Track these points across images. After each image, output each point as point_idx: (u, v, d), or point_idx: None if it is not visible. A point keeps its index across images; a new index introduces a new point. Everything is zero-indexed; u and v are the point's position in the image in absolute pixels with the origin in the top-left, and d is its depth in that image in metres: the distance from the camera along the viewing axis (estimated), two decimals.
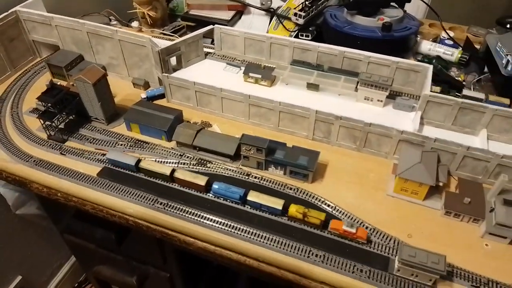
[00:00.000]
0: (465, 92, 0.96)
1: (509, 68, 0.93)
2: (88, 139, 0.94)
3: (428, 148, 0.81)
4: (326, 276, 0.69)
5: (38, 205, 1.27)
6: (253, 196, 0.77)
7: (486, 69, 1.10)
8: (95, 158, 0.89)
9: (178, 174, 0.81)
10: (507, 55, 0.94)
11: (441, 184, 0.78)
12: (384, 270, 0.68)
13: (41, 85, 1.09)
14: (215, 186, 0.80)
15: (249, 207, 0.79)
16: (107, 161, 0.87)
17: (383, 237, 0.73)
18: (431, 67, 0.91)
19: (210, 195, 0.81)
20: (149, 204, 0.80)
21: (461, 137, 0.87)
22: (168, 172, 0.82)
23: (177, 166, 0.87)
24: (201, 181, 0.80)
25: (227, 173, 0.85)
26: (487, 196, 0.77)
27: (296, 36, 1.17)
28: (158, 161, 0.87)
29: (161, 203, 0.80)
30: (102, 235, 1.04)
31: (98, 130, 0.96)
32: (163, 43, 0.99)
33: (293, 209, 0.74)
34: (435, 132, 0.88)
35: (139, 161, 0.85)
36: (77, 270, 1.73)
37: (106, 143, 0.93)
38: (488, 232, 0.72)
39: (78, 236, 1.17)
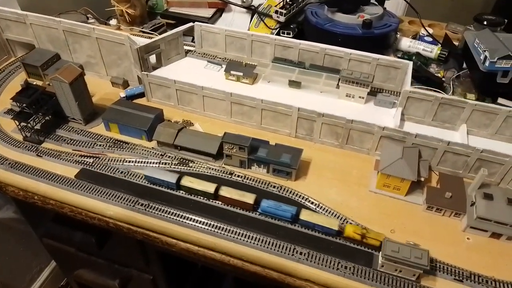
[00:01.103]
0: (500, 100, 0.97)
1: (486, 64, 0.94)
2: (65, 140, 0.91)
3: (409, 144, 0.81)
4: (310, 273, 0.69)
5: (15, 209, 1.23)
6: (305, 215, 0.73)
7: (464, 65, 1.11)
8: (72, 160, 0.86)
9: (224, 192, 0.76)
10: (484, 51, 0.95)
11: (422, 179, 0.78)
12: (368, 266, 0.68)
13: (16, 85, 1.06)
14: (264, 204, 0.75)
15: (298, 225, 0.76)
16: (144, 178, 0.82)
17: None
18: (411, 63, 0.92)
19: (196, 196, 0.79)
20: (129, 205, 0.78)
21: (441, 132, 0.88)
22: (212, 190, 0.77)
23: (158, 166, 0.85)
24: (249, 199, 0.75)
25: (210, 172, 0.84)
26: (468, 190, 0.78)
27: (278, 34, 1.17)
28: (200, 175, 0.83)
29: (141, 204, 0.78)
30: (82, 239, 1.01)
31: (76, 130, 0.94)
32: (142, 41, 0.98)
33: (350, 230, 0.70)
34: (416, 127, 0.88)
35: (179, 178, 0.79)
36: (57, 274, 1.69)
37: (84, 144, 0.90)
38: (469, 226, 0.73)
39: (58, 240, 1.14)
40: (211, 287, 1.49)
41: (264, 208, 0.75)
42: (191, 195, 0.80)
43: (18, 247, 1.49)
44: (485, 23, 1.16)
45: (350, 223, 0.74)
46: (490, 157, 0.78)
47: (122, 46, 1.00)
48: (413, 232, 0.74)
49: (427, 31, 1.21)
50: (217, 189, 0.77)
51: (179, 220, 0.75)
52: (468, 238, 0.73)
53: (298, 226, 0.74)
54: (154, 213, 0.77)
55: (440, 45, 1.16)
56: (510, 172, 0.79)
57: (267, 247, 0.71)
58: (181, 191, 0.80)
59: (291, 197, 0.80)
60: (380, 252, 0.67)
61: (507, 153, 0.77)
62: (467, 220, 0.73)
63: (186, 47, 1.09)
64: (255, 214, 0.76)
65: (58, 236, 1.11)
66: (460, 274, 0.67)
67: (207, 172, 0.84)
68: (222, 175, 0.84)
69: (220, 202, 0.78)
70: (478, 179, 0.74)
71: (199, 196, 0.79)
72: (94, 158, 0.87)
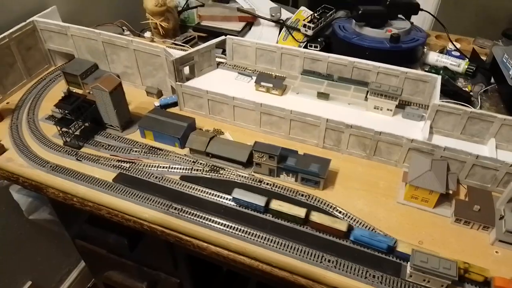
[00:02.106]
0: None
1: None
2: (103, 145, 0.96)
3: (438, 157, 0.82)
4: (338, 281, 0.70)
5: (51, 211, 1.28)
6: (403, 247, 0.71)
7: (492, 80, 1.12)
8: (110, 164, 0.91)
9: (315, 218, 0.75)
10: None
11: (450, 192, 0.79)
12: (396, 276, 0.69)
13: (56, 93, 1.12)
14: (357, 232, 0.73)
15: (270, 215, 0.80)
16: (232, 200, 0.82)
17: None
18: (439, 77, 0.93)
19: (268, 215, 0.80)
20: (164, 209, 0.81)
21: (470, 146, 0.88)
22: (303, 215, 0.76)
23: (190, 172, 0.89)
24: (342, 226, 0.74)
25: (240, 180, 0.87)
26: (497, 204, 0.78)
27: (305, 47, 1.20)
28: (231, 182, 0.86)
29: (175, 208, 0.81)
30: (115, 241, 1.06)
31: (113, 137, 0.98)
32: (177, 53, 1.02)
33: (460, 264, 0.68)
34: (444, 141, 0.89)
35: (268, 201, 0.79)
36: (85, 276, 1.74)
37: (121, 150, 0.95)
38: (498, 239, 0.74)
39: (90, 242, 1.19)
40: None
41: (358, 237, 0.73)
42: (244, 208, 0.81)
43: (50, 248, 1.55)
44: None
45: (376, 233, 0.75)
46: None
47: (158, 57, 1.05)
48: (441, 244, 0.74)
49: (454, 45, 1.22)
50: (307, 214, 0.76)
51: (210, 225, 0.78)
52: (496, 252, 0.74)
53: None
54: (187, 217, 0.80)
55: (467, 60, 1.16)
56: None
57: (296, 254, 0.73)
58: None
59: (319, 205, 0.82)
60: (409, 262, 0.68)
61: None
62: (496, 233, 0.74)
63: (217, 59, 1.14)
64: (283, 220, 0.79)
65: (91, 237, 1.16)
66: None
67: (237, 179, 0.87)
68: (251, 183, 0.86)
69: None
70: (507, 192, 0.75)
71: (287, 221, 0.78)
72: (131, 163, 0.91)
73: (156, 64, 1.06)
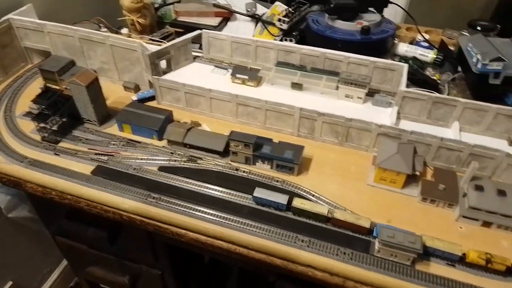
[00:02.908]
0: None
1: (479, 66, 0.99)
2: (81, 139, 0.97)
3: (405, 140, 0.86)
4: (312, 259, 0.73)
5: (30, 208, 1.28)
6: (429, 242, 0.71)
7: (459, 69, 1.17)
8: (88, 158, 0.92)
9: (338, 215, 0.76)
10: (477, 54, 1.01)
11: (417, 173, 0.83)
12: (365, 252, 0.73)
13: (33, 90, 1.13)
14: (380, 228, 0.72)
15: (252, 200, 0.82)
16: (252, 200, 0.82)
17: None
18: (406, 65, 0.97)
19: (204, 189, 0.84)
20: (142, 199, 0.83)
21: (435, 129, 0.93)
22: (325, 213, 0.76)
23: (168, 163, 0.91)
24: (365, 223, 0.74)
25: (217, 169, 0.89)
26: (460, 182, 0.82)
27: (281, 41, 1.23)
28: (208, 171, 0.88)
29: (153, 198, 0.83)
30: (94, 235, 1.06)
31: (91, 131, 1.00)
32: (154, 48, 1.04)
33: (474, 255, 0.70)
34: (411, 125, 0.93)
35: (290, 200, 0.79)
36: (67, 275, 1.73)
37: (99, 143, 0.96)
38: (462, 215, 0.78)
39: (70, 238, 1.19)
40: (217, 281, 1.52)
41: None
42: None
43: (30, 247, 1.54)
44: (478, 28, 1.21)
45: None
46: (481, 151, 0.82)
47: (135, 52, 1.06)
48: (408, 222, 0.78)
49: (423, 36, 1.27)
50: (330, 212, 0.77)
51: (188, 212, 0.80)
52: (460, 227, 0.78)
53: (296, 216, 0.79)
54: (165, 205, 0.82)
55: (436, 50, 1.21)
56: (500, 166, 0.83)
57: (271, 236, 0.76)
58: (290, 213, 0.79)
59: (294, 190, 0.85)
60: (377, 238, 0.71)
61: (497, 148, 0.82)
62: (460, 210, 0.78)
63: (194, 53, 1.16)
64: (261, 206, 0.81)
65: (71, 233, 1.16)
66: (453, 259, 0.72)
67: (215, 168, 0.90)
68: (228, 171, 0.89)
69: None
70: (469, 171, 0.79)
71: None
72: (109, 156, 0.92)
73: (133, 59, 1.08)
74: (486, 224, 0.77)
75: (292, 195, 0.82)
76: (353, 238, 0.75)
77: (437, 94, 0.90)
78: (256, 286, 1.62)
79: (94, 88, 0.96)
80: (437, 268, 0.71)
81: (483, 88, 1.03)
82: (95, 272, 1.29)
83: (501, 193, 0.77)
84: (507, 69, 0.99)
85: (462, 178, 0.82)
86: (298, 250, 0.74)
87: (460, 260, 0.71)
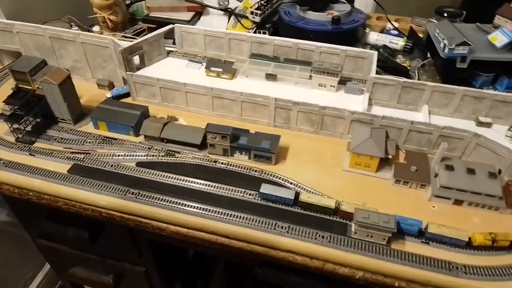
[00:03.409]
0: None
1: (446, 51, 1.03)
2: (56, 139, 0.96)
3: (377, 125, 0.89)
4: (291, 245, 0.75)
5: (9, 212, 1.26)
6: (434, 229, 0.73)
7: (428, 55, 1.20)
8: (64, 157, 0.91)
9: (345, 207, 0.77)
10: (443, 39, 1.04)
11: (390, 156, 0.86)
12: (343, 234, 0.75)
13: (4, 92, 1.09)
14: None
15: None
16: (258, 196, 0.82)
17: None
18: (376, 53, 1.00)
19: (183, 182, 0.85)
20: (121, 194, 0.83)
21: (406, 113, 0.96)
22: (333, 206, 0.77)
23: (146, 158, 0.91)
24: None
25: (195, 162, 0.90)
26: (431, 164, 0.85)
27: (254, 33, 1.24)
28: (187, 164, 0.88)
29: (132, 193, 0.83)
30: (75, 234, 1.05)
31: (66, 130, 0.99)
32: (126, 44, 1.03)
33: (481, 238, 0.71)
34: (382, 110, 0.96)
35: (297, 194, 0.80)
36: (51, 279, 1.71)
37: (75, 142, 0.95)
38: (434, 195, 0.81)
39: (51, 239, 1.18)
40: (202, 277, 1.53)
41: None
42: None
43: (11, 253, 1.51)
44: (445, 15, 1.25)
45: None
46: (450, 133, 0.86)
47: (107, 49, 1.06)
48: (383, 204, 0.80)
49: (393, 25, 1.30)
50: (337, 204, 0.77)
51: (168, 205, 0.81)
52: (433, 206, 0.81)
53: (276, 204, 0.81)
54: (145, 200, 0.82)
55: (405, 38, 1.24)
56: (469, 146, 0.87)
57: (251, 224, 0.77)
58: (297, 208, 0.80)
59: (272, 179, 0.86)
60: (353, 220, 0.74)
61: (466, 128, 0.85)
62: (432, 190, 0.81)
63: (167, 48, 1.16)
64: (239, 195, 0.82)
65: (52, 234, 1.15)
66: (427, 238, 0.74)
67: (193, 161, 0.90)
68: (207, 163, 0.90)
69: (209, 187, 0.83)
70: (439, 152, 0.82)
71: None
72: (85, 154, 0.92)
73: (105, 56, 1.07)
74: (458, 202, 0.80)
75: (270, 183, 0.83)
76: (331, 221, 0.77)
77: (406, 79, 0.93)
78: (241, 280, 1.64)
79: (67, 87, 0.95)
80: (412, 246, 0.74)
81: (451, 72, 1.07)
82: (79, 273, 1.28)
83: (470, 171, 0.81)
84: (472, 52, 1.02)
85: (433, 159, 0.85)
86: (278, 236, 0.76)
87: (467, 245, 0.73)
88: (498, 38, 1.05)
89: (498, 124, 0.92)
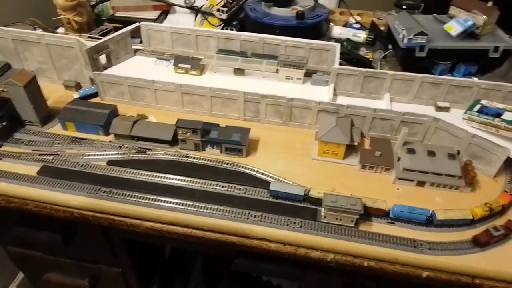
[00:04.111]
0: None
1: (405, 41, 1.07)
2: (23, 142, 0.94)
3: (342, 114, 0.92)
4: (264, 232, 0.77)
5: None
6: (440, 215, 0.76)
7: (390, 46, 1.25)
8: (33, 159, 0.90)
9: (313, 193, 0.79)
10: (402, 30, 1.09)
11: (356, 143, 0.89)
12: (313, 219, 0.78)
13: None
14: (396, 209, 0.77)
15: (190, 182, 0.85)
16: (269, 193, 0.82)
17: None
18: (338, 45, 1.03)
19: (155, 178, 0.86)
20: (92, 193, 0.83)
21: (369, 102, 0.99)
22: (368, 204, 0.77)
23: (117, 157, 0.91)
24: (382, 205, 0.77)
25: (167, 157, 0.91)
26: (394, 148, 0.89)
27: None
28: (159, 161, 0.88)
29: (104, 191, 0.83)
30: (48, 238, 1.04)
31: (34, 132, 0.97)
32: (91, 43, 1.03)
33: (480, 211, 0.76)
34: (347, 100, 0.99)
35: (307, 191, 0.80)
36: None
37: (43, 144, 0.94)
38: (397, 177, 0.85)
39: (24, 246, 1.16)
40: (180, 276, 1.53)
41: (397, 213, 0.77)
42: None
43: None
44: (404, 7, 1.31)
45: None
46: (411, 118, 0.90)
47: (72, 49, 1.05)
48: (351, 189, 0.84)
49: (355, 19, 1.35)
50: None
51: (141, 201, 0.81)
52: (398, 189, 0.85)
53: (248, 193, 0.83)
54: (117, 197, 0.82)
55: (367, 31, 1.29)
56: (429, 130, 0.91)
57: (224, 215, 0.78)
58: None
59: (243, 171, 0.88)
60: (322, 205, 0.76)
61: (425, 113, 0.89)
62: (395, 173, 0.85)
63: (135, 47, 1.16)
64: (212, 188, 0.84)
65: (24, 240, 1.12)
66: (393, 218, 0.78)
67: (165, 157, 0.91)
68: (179, 159, 0.90)
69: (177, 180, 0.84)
70: (401, 137, 0.86)
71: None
72: (54, 156, 0.91)
73: (71, 56, 1.06)
74: (420, 183, 0.85)
75: (242, 175, 0.85)
76: (301, 208, 0.80)
77: (367, 69, 0.96)
78: (220, 277, 1.65)
79: (32, 88, 0.94)
80: (378, 227, 0.77)
81: (411, 61, 1.12)
82: (53, 279, 1.26)
83: (431, 153, 0.85)
84: (430, 42, 1.08)
85: (395, 144, 0.89)
86: (251, 225, 0.77)
87: (471, 224, 0.77)
88: (453, 28, 1.11)
89: (456, 108, 0.98)
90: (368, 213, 0.78)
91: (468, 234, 0.76)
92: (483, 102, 0.93)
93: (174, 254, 1.53)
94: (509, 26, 1.17)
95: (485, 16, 1.09)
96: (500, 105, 0.91)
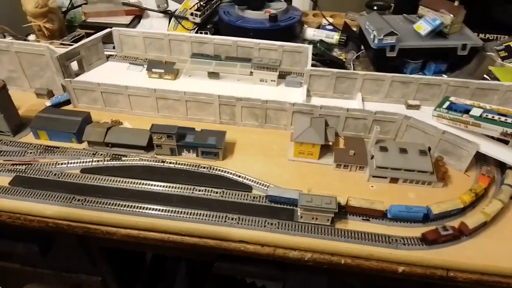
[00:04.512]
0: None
1: (375, 42, 1.09)
2: None
3: (317, 115, 0.93)
4: (242, 235, 0.77)
5: None
6: (436, 209, 0.77)
7: (362, 47, 1.27)
8: (4, 169, 0.88)
9: (352, 203, 0.78)
10: (373, 30, 1.11)
11: (330, 143, 0.90)
12: (290, 220, 0.78)
13: None
14: (393, 209, 0.77)
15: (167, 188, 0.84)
16: (267, 198, 0.82)
17: None
18: (310, 46, 1.05)
19: (131, 185, 0.85)
20: (67, 202, 0.81)
21: (342, 102, 1.01)
22: (340, 202, 0.78)
23: (91, 164, 0.90)
24: (380, 206, 0.78)
25: (143, 163, 0.90)
26: (368, 147, 0.91)
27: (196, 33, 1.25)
28: (134, 167, 0.87)
29: (78, 200, 0.82)
30: (25, 250, 1.01)
31: (5, 142, 0.95)
32: (62, 50, 1.01)
33: (468, 198, 0.79)
34: (320, 101, 1.01)
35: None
36: None
37: (15, 154, 0.92)
38: (372, 175, 0.86)
39: (0, 258, 1.13)
40: (164, 283, 1.52)
41: (395, 213, 0.78)
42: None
43: None
44: (375, 8, 1.33)
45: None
46: (383, 117, 0.92)
47: (43, 57, 1.03)
48: (327, 188, 0.85)
49: (328, 20, 1.37)
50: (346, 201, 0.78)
51: (116, 209, 0.80)
52: (372, 186, 0.86)
53: (225, 196, 0.83)
54: (92, 206, 0.81)
55: (339, 32, 1.31)
56: (401, 128, 0.93)
57: (202, 218, 0.78)
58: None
59: (220, 174, 0.88)
60: (298, 205, 0.77)
61: (396, 112, 0.91)
62: (369, 171, 0.86)
63: (107, 52, 1.14)
64: (188, 192, 0.84)
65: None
66: (368, 215, 0.80)
67: (140, 163, 0.90)
68: (154, 164, 0.90)
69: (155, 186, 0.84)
70: (374, 136, 0.88)
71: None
72: (27, 165, 0.89)
73: (42, 64, 1.04)
74: (394, 180, 0.86)
75: (219, 179, 0.85)
76: (278, 209, 0.81)
77: (339, 69, 0.98)
78: (204, 281, 1.65)
79: (2, 97, 0.92)
80: (354, 224, 0.78)
81: (382, 61, 1.14)
82: None
83: (403, 151, 0.87)
84: (400, 41, 1.10)
85: (369, 143, 0.91)
86: (229, 228, 0.78)
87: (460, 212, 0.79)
88: (422, 27, 1.14)
89: (426, 105, 1.00)
90: (366, 215, 0.79)
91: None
92: (452, 99, 0.95)
93: (156, 260, 1.52)
94: (476, 24, 1.21)
95: (452, 15, 1.12)
96: (468, 102, 0.94)
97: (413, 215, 0.78)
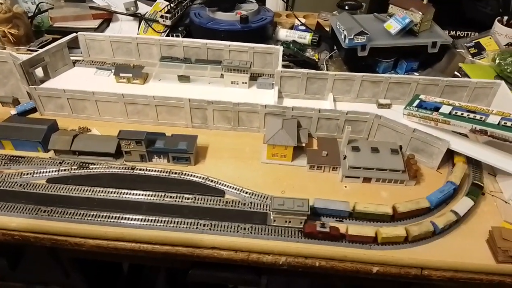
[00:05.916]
0: None
1: (346, 41, 1.10)
2: None
3: (289, 116, 0.92)
4: (214, 241, 0.75)
5: None
6: (402, 208, 0.77)
7: (335, 47, 1.27)
8: None
9: (401, 209, 0.77)
10: (344, 30, 1.11)
11: (303, 144, 0.90)
12: (263, 224, 0.77)
13: None
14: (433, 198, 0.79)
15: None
16: (313, 210, 0.77)
17: (261, 197, 0.82)
18: (281, 48, 1.04)
19: (99, 194, 0.82)
20: (32, 214, 0.78)
21: (314, 103, 1.01)
22: (390, 211, 0.77)
23: (57, 173, 0.87)
24: (425, 203, 0.78)
25: (111, 171, 0.87)
26: (340, 147, 0.91)
27: (167, 37, 1.23)
28: (103, 175, 0.85)
29: (44, 211, 0.79)
30: None
31: None
32: (25, 56, 0.98)
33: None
34: (292, 102, 1.00)
35: (353, 206, 0.78)
36: None
37: None
38: (344, 175, 0.86)
39: None
40: None
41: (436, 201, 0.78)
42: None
43: None
44: (346, 7, 1.33)
45: (244, 191, 0.82)
46: (354, 117, 0.92)
47: (6, 64, 0.99)
48: (300, 190, 0.84)
49: (300, 21, 1.36)
50: (394, 209, 0.78)
51: (84, 219, 0.78)
52: (345, 186, 0.86)
53: (197, 202, 0.81)
54: (58, 217, 0.78)
55: (312, 32, 1.31)
56: (373, 127, 0.93)
57: (173, 226, 0.77)
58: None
59: (192, 179, 0.86)
60: (271, 209, 0.76)
61: (368, 111, 0.91)
62: (342, 171, 0.86)
63: (74, 58, 1.11)
64: (159, 200, 0.82)
65: None
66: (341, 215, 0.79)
67: (109, 171, 0.88)
68: (124, 172, 0.88)
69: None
70: (345, 136, 0.88)
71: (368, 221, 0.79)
72: None
73: (5, 71, 1.00)
74: (366, 179, 0.86)
75: (191, 184, 0.84)
76: (251, 213, 0.79)
77: (309, 70, 0.98)
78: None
79: None
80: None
81: (354, 61, 1.14)
82: None
83: (375, 150, 0.87)
84: (370, 41, 1.10)
85: (341, 143, 0.91)
86: (201, 234, 0.76)
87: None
88: (392, 26, 1.15)
89: (397, 104, 1.01)
90: (414, 216, 0.79)
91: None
92: (422, 97, 0.96)
93: (133, 268, 1.48)
94: (446, 22, 1.23)
95: (422, 13, 1.13)
96: (438, 99, 0.94)
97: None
